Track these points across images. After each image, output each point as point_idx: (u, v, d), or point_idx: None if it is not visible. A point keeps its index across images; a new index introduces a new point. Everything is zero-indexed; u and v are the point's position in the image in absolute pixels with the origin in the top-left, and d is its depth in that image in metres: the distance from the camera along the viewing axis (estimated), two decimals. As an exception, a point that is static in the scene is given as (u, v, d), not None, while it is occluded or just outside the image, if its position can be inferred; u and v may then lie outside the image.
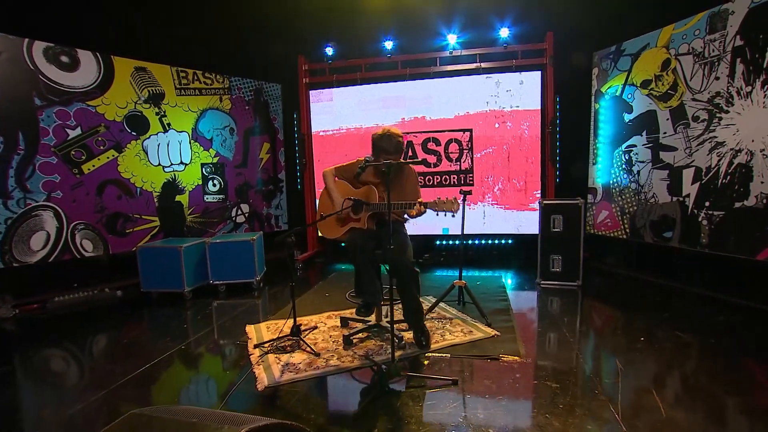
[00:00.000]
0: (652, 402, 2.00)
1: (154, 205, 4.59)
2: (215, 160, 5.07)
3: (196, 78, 4.87)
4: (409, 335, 2.77)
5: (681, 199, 3.66)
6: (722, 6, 3.32)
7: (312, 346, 2.69)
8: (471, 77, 4.97)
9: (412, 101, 5.17)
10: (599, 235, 4.47)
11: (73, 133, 4.05)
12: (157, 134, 4.60)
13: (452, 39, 4.96)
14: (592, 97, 4.50)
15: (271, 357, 2.61)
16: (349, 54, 5.33)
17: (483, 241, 5.28)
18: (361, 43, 5.29)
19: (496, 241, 5.25)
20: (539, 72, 4.76)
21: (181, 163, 4.80)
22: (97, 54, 4.18)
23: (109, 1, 4.43)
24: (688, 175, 3.61)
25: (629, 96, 4.09)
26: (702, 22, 3.46)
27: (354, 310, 3.29)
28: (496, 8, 4.76)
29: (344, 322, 3.14)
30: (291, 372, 2.42)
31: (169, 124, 4.68)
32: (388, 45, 5.14)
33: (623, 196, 4.22)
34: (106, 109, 4.24)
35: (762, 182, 3.10)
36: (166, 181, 4.68)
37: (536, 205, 4.95)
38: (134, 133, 4.44)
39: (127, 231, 4.41)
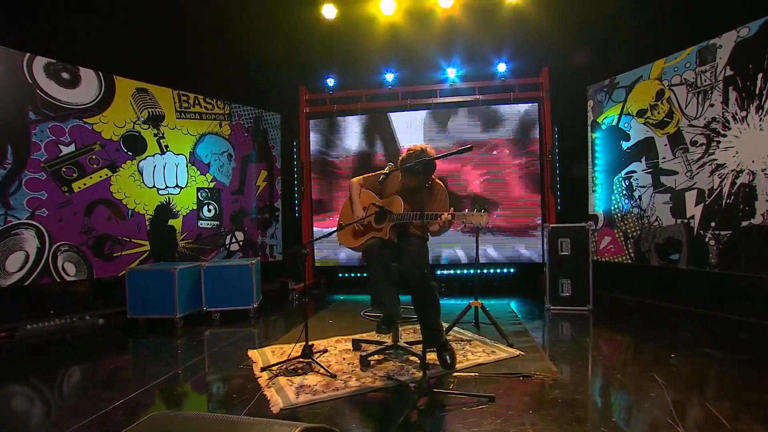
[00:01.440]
0: (707, 412, 1.86)
1: (145, 228, 4.35)
2: (212, 185, 4.92)
3: (197, 102, 4.83)
4: (432, 355, 2.57)
5: (686, 221, 3.71)
6: (710, 41, 3.57)
7: (326, 368, 2.46)
8: (470, 108, 5.11)
9: (414, 131, 5.24)
10: (603, 262, 4.45)
11: (66, 150, 3.87)
12: (153, 155, 4.45)
13: (452, 73, 5.14)
14: (588, 128, 4.66)
15: (282, 380, 2.36)
16: (349, 85, 5.44)
17: (486, 270, 5.18)
18: (361, 75, 5.42)
19: (498, 270, 5.17)
20: (536, 104, 4.95)
21: (177, 186, 4.62)
22: (99, 72, 4.11)
23: (113, 22, 4.43)
24: (690, 197, 3.69)
25: (626, 125, 4.26)
26: (692, 56, 3.69)
27: (362, 334, 3.09)
28: (493, 44, 5.01)
29: (356, 344, 2.91)
30: (307, 393, 2.17)
31: (166, 146, 4.55)
32: (389, 77, 5.29)
33: (626, 222, 4.26)
34: (104, 128, 4.11)
35: (767, 200, 3.18)
36: (159, 203, 4.47)
37: (537, 233, 4.97)
38: (130, 153, 4.28)
39: (115, 255, 4.12)
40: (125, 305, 3.88)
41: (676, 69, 3.82)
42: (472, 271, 5.12)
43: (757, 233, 3.22)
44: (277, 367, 2.53)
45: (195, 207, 4.76)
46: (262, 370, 2.51)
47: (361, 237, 2.67)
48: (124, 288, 3.76)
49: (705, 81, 3.59)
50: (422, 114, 5.22)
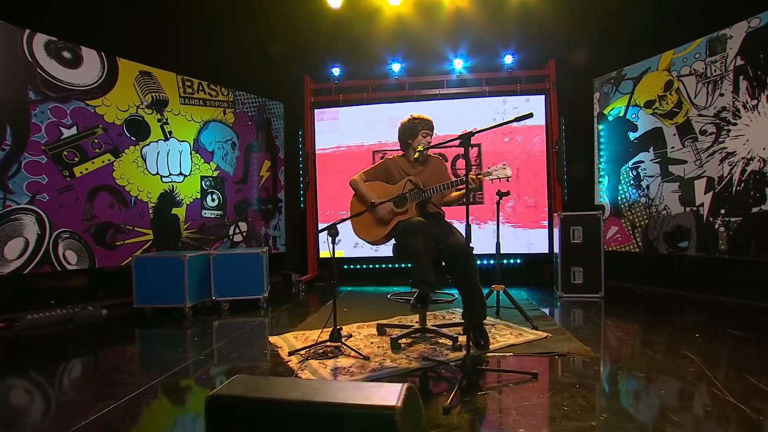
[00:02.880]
0: (748, 383, 1.88)
1: (148, 216, 4.20)
2: (215, 173, 4.79)
3: (201, 88, 4.70)
4: (463, 338, 2.54)
5: (695, 208, 3.79)
6: (720, 32, 3.65)
7: (357, 350, 2.40)
8: (477, 99, 5.11)
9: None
10: (610, 251, 4.50)
11: (67, 133, 3.70)
12: (157, 141, 4.30)
13: (458, 64, 5.14)
14: (595, 119, 4.72)
15: (314, 362, 2.29)
16: (355, 75, 5.38)
17: (492, 261, 5.18)
18: (367, 65, 5.37)
19: (506, 261, 5.18)
20: (543, 96, 4.98)
21: (181, 174, 4.48)
22: (102, 54, 3.95)
23: (119, 4, 4.28)
24: (700, 185, 3.76)
25: (633, 116, 4.32)
26: (702, 47, 3.77)
27: (386, 320, 3.04)
28: (500, 36, 5.02)
29: (381, 329, 2.86)
30: (345, 375, 2.12)
31: (170, 132, 4.41)
32: (396, 68, 5.25)
33: (633, 211, 4.32)
34: (106, 111, 3.95)
35: (777, 187, 3.26)
36: (163, 191, 4.33)
37: (544, 223, 5.01)
38: (133, 138, 4.13)
39: (117, 243, 3.96)
40: (128, 296, 3.75)
41: (685, 60, 3.90)
42: (485, 262, 5.10)
43: (768, 219, 3.30)
44: (305, 351, 2.46)
45: (199, 196, 4.62)
46: (290, 354, 2.44)
47: (386, 226, 2.62)
48: (127, 278, 3.62)
49: (715, 71, 3.67)
50: (429, 104, 5.20)
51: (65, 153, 3.69)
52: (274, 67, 5.37)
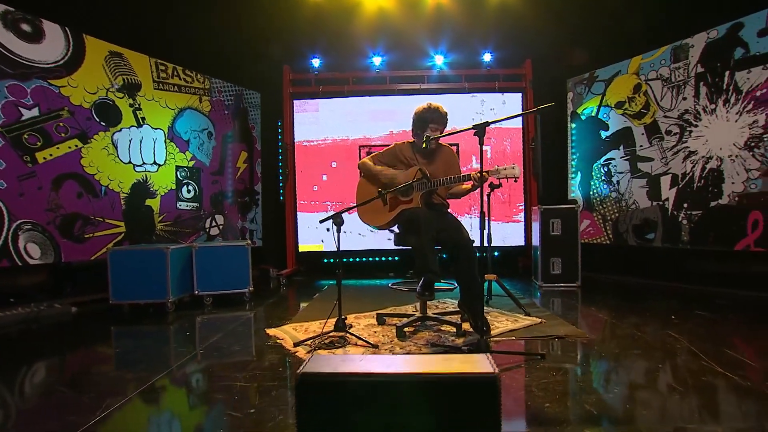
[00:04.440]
0: (730, 355, 2.08)
1: (120, 207, 3.92)
2: (191, 164, 4.56)
3: (176, 73, 4.45)
4: (466, 324, 2.60)
5: (661, 203, 4.10)
6: (683, 41, 3.97)
7: (366, 339, 2.39)
8: (457, 95, 5.22)
9: (401, 115, 5.24)
10: (583, 243, 4.76)
11: (28, 114, 3.38)
12: (129, 128, 4.03)
13: (439, 59, 5.22)
14: (568, 118, 4.97)
15: (323, 352, 2.26)
16: (335, 67, 5.32)
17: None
18: (348, 58, 5.33)
19: (479, 254, 5.32)
20: (520, 94, 5.18)
21: (155, 163, 4.23)
22: (67, 29, 3.64)
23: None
24: (665, 181, 4.08)
25: (605, 116, 4.60)
26: (667, 53, 4.08)
27: (376, 313, 2.99)
28: (480, 34, 5.15)
29: (380, 319, 2.87)
30: (358, 362, 2.10)
31: (143, 119, 4.14)
32: (377, 61, 5.25)
33: (604, 205, 4.61)
34: (73, 92, 3.64)
35: (732, 183, 3.61)
36: (136, 181, 4.06)
37: (519, 217, 5.22)
38: (103, 124, 3.84)
39: (86, 236, 3.67)
40: (99, 292, 3.54)
41: (652, 65, 4.20)
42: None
43: (725, 212, 3.64)
44: (310, 342, 2.42)
45: (174, 187, 4.38)
46: (296, 345, 2.39)
47: (390, 211, 2.64)
48: (97, 273, 3.40)
49: (679, 77, 3.99)
50: (410, 99, 5.23)
51: (26, 136, 3.36)
52: (251, 55, 5.19)
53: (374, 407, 0.85)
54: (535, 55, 5.11)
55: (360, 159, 5.27)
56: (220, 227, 4.84)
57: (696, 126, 3.86)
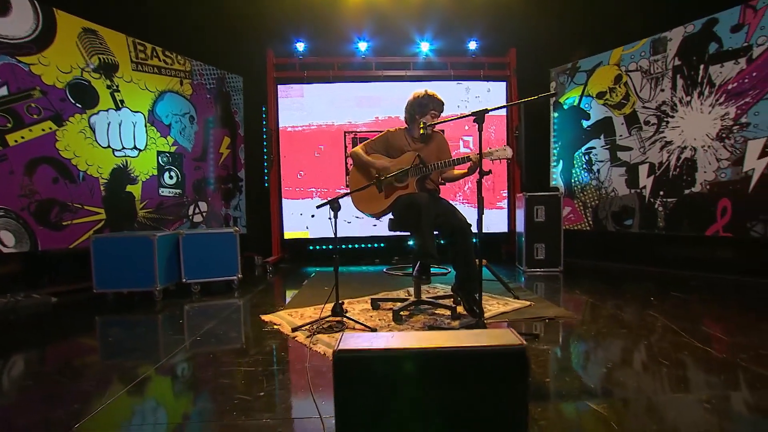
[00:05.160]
0: (706, 332, 2.23)
1: (99, 193, 3.77)
2: (173, 149, 4.42)
3: (155, 54, 4.27)
4: (460, 308, 2.67)
5: (639, 190, 4.28)
6: (662, 34, 4.11)
7: (364, 323, 2.42)
8: (443, 83, 5.24)
9: (387, 101, 5.23)
10: (564, 230, 4.92)
11: (-2, 94, 3.18)
12: (108, 111, 3.85)
13: (425, 46, 5.21)
14: (551, 107, 5.09)
15: (323, 337, 2.28)
16: (320, 51, 5.23)
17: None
18: (333, 42, 5.24)
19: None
20: (504, 83, 5.25)
21: (135, 148, 4.07)
22: (35, 2, 3.42)
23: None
24: (643, 170, 4.25)
25: (587, 105, 4.73)
26: (646, 46, 4.22)
27: (370, 298, 3.01)
28: (465, 21, 5.17)
29: (375, 304, 2.91)
30: (360, 346, 2.13)
31: (122, 101, 3.97)
32: (362, 46, 5.19)
33: (585, 192, 4.77)
34: (44, 71, 3.44)
35: (705, 172, 3.80)
36: (116, 166, 3.90)
37: (503, 204, 5.34)
38: (79, 106, 3.66)
39: (64, 223, 3.52)
40: (79, 281, 3.45)
41: (632, 57, 4.34)
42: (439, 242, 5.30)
43: (697, 199, 3.85)
44: (308, 326, 2.43)
45: (156, 173, 4.24)
46: (294, 330, 2.39)
47: (386, 198, 2.66)
48: (77, 261, 3.29)
49: (657, 69, 4.14)
50: (396, 85, 5.22)
51: (-4, 117, 3.18)
52: (233, 37, 5.03)
53: (411, 381, 0.88)
54: (520, 44, 5.18)
55: (345, 144, 5.31)
56: (204, 214, 4.74)
57: (672, 117, 4.03)
